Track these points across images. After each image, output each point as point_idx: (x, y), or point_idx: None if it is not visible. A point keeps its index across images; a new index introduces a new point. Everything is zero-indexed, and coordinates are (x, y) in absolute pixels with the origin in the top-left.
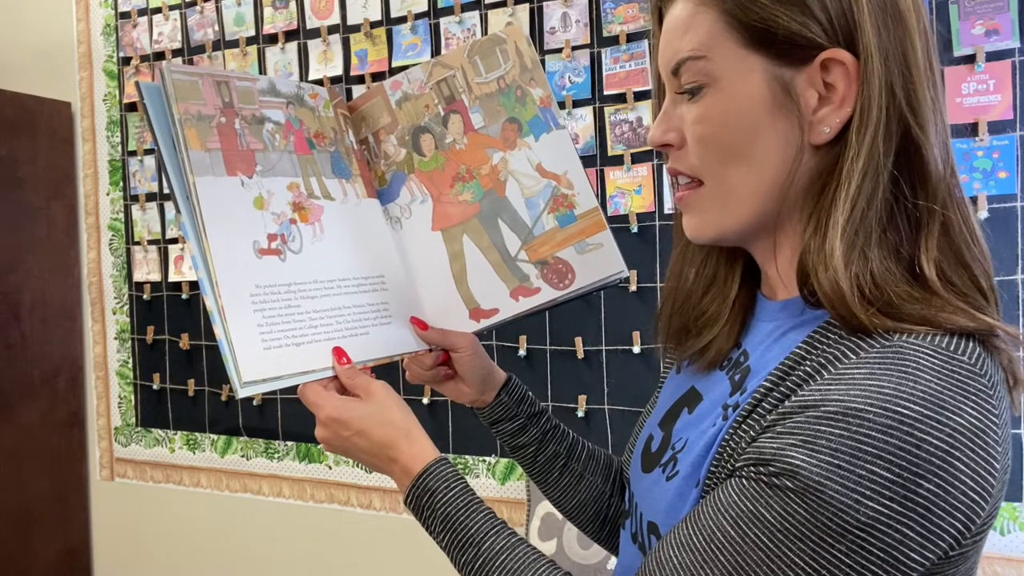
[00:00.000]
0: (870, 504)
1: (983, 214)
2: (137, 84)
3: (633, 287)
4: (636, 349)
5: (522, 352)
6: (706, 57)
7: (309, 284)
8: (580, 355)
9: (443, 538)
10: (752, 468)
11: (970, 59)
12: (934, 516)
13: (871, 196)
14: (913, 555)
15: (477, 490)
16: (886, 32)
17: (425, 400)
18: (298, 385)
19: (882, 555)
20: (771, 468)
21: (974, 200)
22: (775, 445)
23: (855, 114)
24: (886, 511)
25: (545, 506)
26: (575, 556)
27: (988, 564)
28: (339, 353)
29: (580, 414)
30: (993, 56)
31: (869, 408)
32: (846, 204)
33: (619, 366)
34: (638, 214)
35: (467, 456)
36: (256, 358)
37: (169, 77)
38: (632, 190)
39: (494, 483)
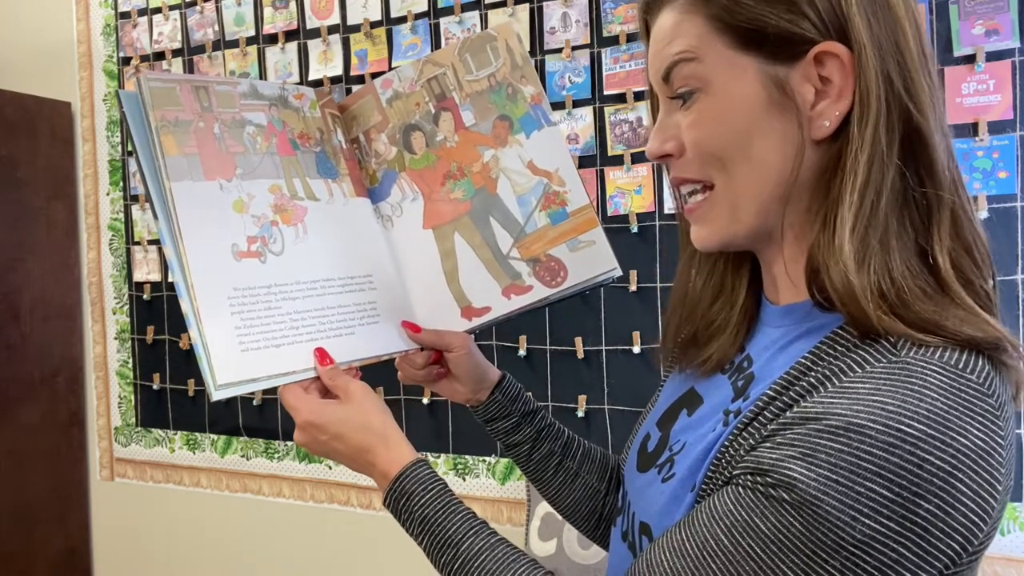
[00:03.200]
0: (867, 522)
1: (983, 214)
2: (118, 93)
3: (633, 287)
4: (636, 349)
5: (522, 352)
6: (696, 58)
7: (290, 285)
8: (580, 355)
9: (422, 540)
10: (749, 477)
11: (970, 59)
12: (932, 537)
13: (880, 188)
14: (907, 574)
15: (477, 490)
16: (876, 22)
17: (425, 400)
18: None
19: (876, 573)
20: (768, 479)
21: (974, 200)
22: (774, 456)
23: (855, 106)
24: (883, 530)
25: (545, 506)
26: (575, 556)
27: (988, 564)
28: (321, 354)
29: (580, 414)
30: (993, 56)
31: (871, 425)
32: (853, 197)
33: (619, 366)
34: (638, 214)
35: (467, 456)
36: (232, 360)
37: (146, 85)
38: (632, 190)
39: (494, 483)
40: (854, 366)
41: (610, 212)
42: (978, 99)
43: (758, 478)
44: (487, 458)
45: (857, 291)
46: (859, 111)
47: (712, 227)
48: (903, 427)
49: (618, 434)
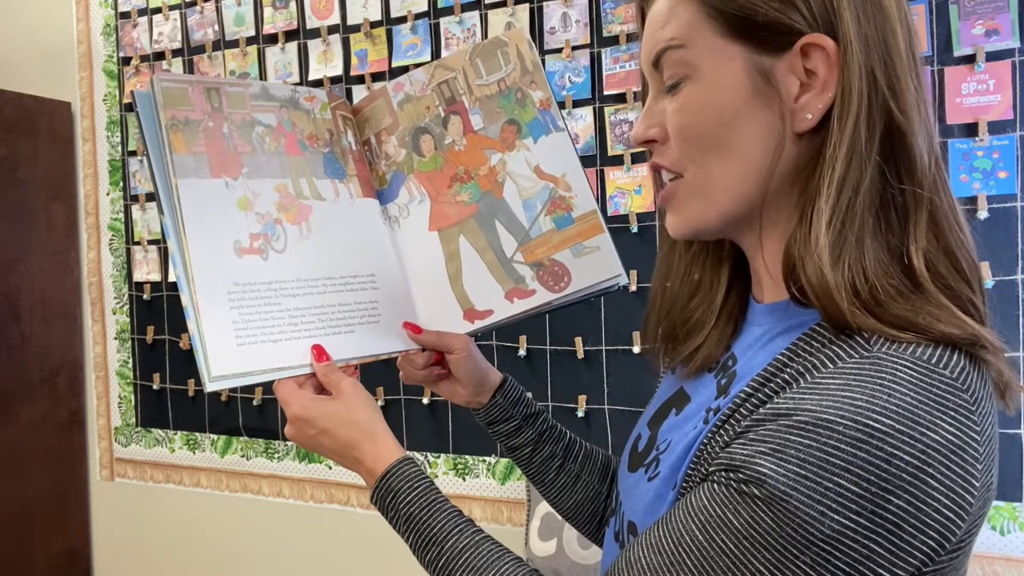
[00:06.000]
0: (836, 517)
1: (983, 214)
2: (132, 93)
3: (633, 287)
4: (636, 349)
5: (522, 352)
6: (685, 46)
7: (291, 282)
8: (580, 355)
9: (408, 537)
10: (723, 473)
11: (970, 59)
12: (904, 533)
13: (857, 184)
14: (881, 571)
15: (477, 490)
16: (866, 19)
17: (425, 400)
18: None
19: (848, 569)
20: (740, 475)
21: (974, 200)
22: (746, 452)
23: (837, 100)
24: (853, 525)
25: (545, 506)
26: (575, 556)
27: (988, 564)
28: (319, 350)
29: (580, 414)
30: (993, 56)
31: (840, 420)
32: (830, 191)
33: (619, 366)
34: (638, 214)
35: (467, 456)
36: (228, 353)
37: (158, 85)
38: (632, 190)
39: (494, 483)
40: (827, 362)
41: (610, 212)
42: (978, 99)
43: (731, 474)
44: (487, 458)
45: (831, 286)
46: (841, 105)
47: (685, 213)
48: (871, 422)
49: (618, 434)
